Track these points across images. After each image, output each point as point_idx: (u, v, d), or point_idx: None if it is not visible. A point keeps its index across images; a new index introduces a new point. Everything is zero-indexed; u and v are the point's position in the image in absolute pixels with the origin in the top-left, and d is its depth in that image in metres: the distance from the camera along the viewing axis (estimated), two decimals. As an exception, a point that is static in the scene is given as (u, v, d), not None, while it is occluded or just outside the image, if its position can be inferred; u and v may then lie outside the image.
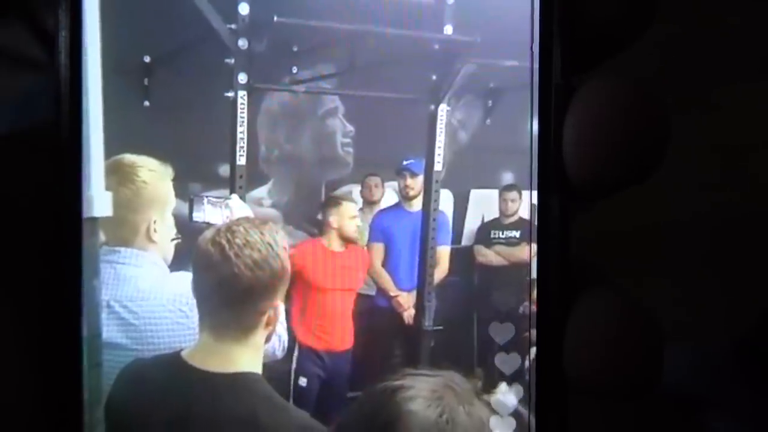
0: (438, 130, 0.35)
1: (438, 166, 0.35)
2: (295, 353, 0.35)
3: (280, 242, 0.32)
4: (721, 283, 0.61)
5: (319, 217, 0.36)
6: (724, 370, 0.61)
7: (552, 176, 0.31)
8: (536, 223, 0.31)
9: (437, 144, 0.35)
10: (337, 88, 0.34)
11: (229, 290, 0.31)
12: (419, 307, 0.36)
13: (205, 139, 0.33)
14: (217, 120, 0.33)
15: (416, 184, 0.37)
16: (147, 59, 0.32)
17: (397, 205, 0.37)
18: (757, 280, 0.60)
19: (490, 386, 0.36)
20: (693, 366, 0.59)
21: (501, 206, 0.36)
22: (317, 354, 0.36)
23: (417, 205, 0.37)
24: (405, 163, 0.36)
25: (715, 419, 0.59)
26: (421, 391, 0.31)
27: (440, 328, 0.36)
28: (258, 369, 0.32)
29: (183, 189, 0.32)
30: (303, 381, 0.34)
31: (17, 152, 0.30)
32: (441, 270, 0.36)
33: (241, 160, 0.33)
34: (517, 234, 0.37)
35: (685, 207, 0.61)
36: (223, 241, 0.31)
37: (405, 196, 0.37)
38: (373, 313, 0.36)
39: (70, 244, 0.28)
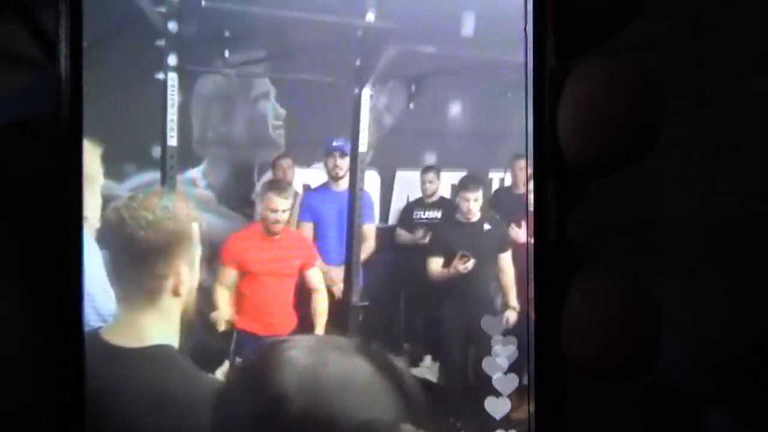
0: (362, 113, 0.36)
1: (363, 148, 0.37)
2: (234, 335, 0.36)
3: (179, 207, 0.33)
4: (722, 280, 0.61)
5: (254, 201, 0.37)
6: (726, 368, 0.62)
7: (547, 159, 0.31)
8: (531, 207, 0.32)
9: (361, 126, 0.36)
10: (267, 72, 0.36)
11: (127, 253, 0.32)
12: (347, 283, 0.38)
13: (139, 121, 0.34)
14: (152, 102, 0.34)
15: (344, 164, 0.38)
16: (84, 44, 0.33)
17: (324, 186, 0.38)
18: (759, 279, 0.61)
19: (416, 360, 0.37)
20: (693, 362, 0.60)
21: (421, 187, 0.38)
22: (257, 337, 0.36)
23: (343, 184, 0.38)
24: (334, 144, 0.38)
25: (712, 416, 0.61)
26: (300, 342, 0.33)
27: (366, 303, 0.37)
28: (173, 341, 0.33)
29: (117, 169, 0.33)
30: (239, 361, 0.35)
31: (18, 141, 0.31)
32: (367, 247, 0.38)
33: (172, 141, 0.34)
34: (438, 214, 0.39)
35: (683, 204, 0.62)
36: (120, 206, 0.32)
37: (334, 176, 0.38)
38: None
39: (71, 233, 0.30)
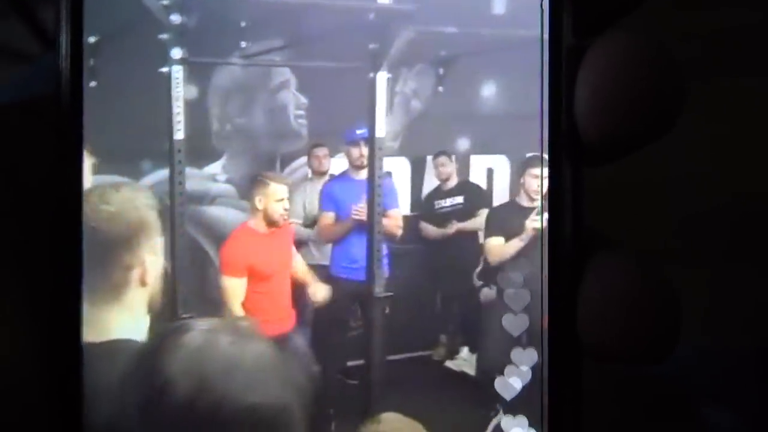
0: (378, 98, 0.35)
1: (380, 133, 0.35)
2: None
3: (140, 199, 0.32)
4: (740, 277, 0.60)
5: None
6: (735, 367, 0.60)
7: (564, 139, 0.31)
8: (546, 189, 0.31)
9: (377, 111, 0.35)
10: (284, 61, 0.35)
11: (91, 246, 0.31)
12: (369, 274, 0.36)
13: (151, 115, 0.34)
14: (161, 96, 0.34)
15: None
16: (91, 40, 0.33)
17: (344, 174, 0.37)
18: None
19: (453, 352, 0.36)
20: (701, 361, 0.59)
21: (435, 172, 0.36)
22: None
23: (364, 173, 0.37)
24: (358, 132, 0.36)
25: (717, 415, 0.59)
26: (196, 325, 0.32)
27: (390, 294, 0.36)
28: (136, 336, 0.32)
29: (134, 166, 0.33)
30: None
31: (19, 123, 0.32)
32: (392, 235, 0.37)
33: (178, 135, 0.33)
34: (461, 199, 0.37)
35: (703, 199, 0.60)
36: (84, 201, 0.32)
37: (359, 166, 0.37)
38: (328, 283, 0.37)
39: (72, 218, 0.30)
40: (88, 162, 0.31)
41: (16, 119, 0.32)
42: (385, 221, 0.37)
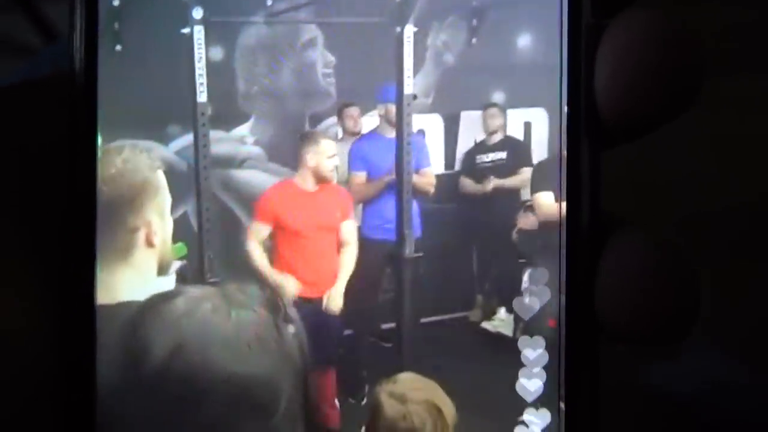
0: (405, 53, 0.34)
1: (408, 89, 0.34)
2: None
3: (143, 160, 0.32)
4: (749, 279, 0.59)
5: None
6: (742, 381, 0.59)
7: (583, 119, 0.31)
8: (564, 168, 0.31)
9: (405, 66, 0.34)
10: (310, 18, 0.34)
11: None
12: (399, 235, 0.36)
13: (174, 78, 0.33)
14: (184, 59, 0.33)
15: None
16: (116, 3, 0.32)
17: (374, 132, 0.36)
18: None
19: (490, 313, 0.35)
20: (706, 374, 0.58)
21: (484, 125, 0.35)
22: (303, 299, 0.35)
23: (394, 131, 0.36)
24: (389, 88, 0.35)
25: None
26: (188, 292, 0.31)
27: (420, 255, 0.35)
28: (142, 297, 0.32)
29: (160, 131, 0.33)
30: (291, 329, 0.34)
31: (33, 102, 0.32)
32: (424, 194, 0.36)
33: (202, 97, 0.33)
34: (503, 155, 0.36)
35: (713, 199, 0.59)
36: None
37: (390, 122, 0.36)
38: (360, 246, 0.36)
39: (85, 194, 0.30)
40: (109, 127, 0.31)
41: (31, 94, 0.32)
42: (416, 179, 0.36)
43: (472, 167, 0.36)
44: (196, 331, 0.31)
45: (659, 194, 0.57)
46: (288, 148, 0.36)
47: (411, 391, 0.33)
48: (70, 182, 0.30)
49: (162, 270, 0.33)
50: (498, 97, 0.35)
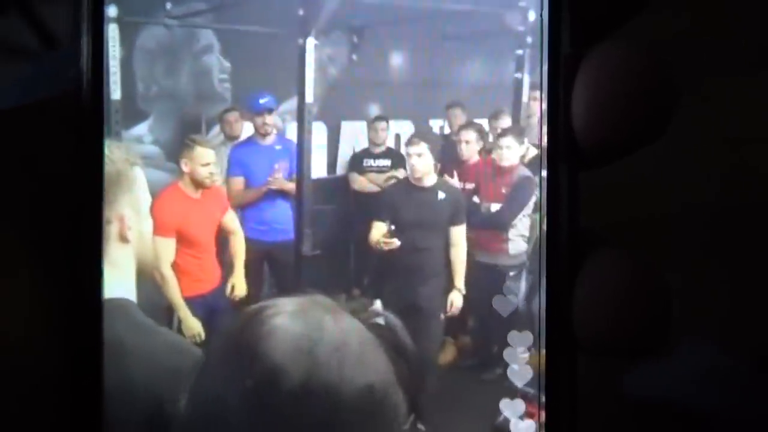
0: (307, 64, 0.36)
1: (309, 99, 0.37)
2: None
3: (116, 153, 0.32)
4: (726, 279, 0.61)
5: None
6: (735, 382, 0.61)
7: (561, 144, 0.32)
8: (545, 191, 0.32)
9: (307, 77, 0.37)
10: (210, 23, 0.35)
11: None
12: (298, 233, 0.38)
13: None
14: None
15: (272, 121, 0.38)
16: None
17: (251, 139, 0.38)
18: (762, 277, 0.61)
19: (365, 306, 0.38)
20: (701, 376, 0.60)
21: (371, 135, 0.38)
22: (203, 298, 0.36)
23: (269, 139, 0.39)
24: (261, 102, 0.37)
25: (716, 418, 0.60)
26: (284, 307, 0.32)
27: (318, 253, 0.38)
28: (129, 295, 0.33)
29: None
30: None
31: (41, 118, 0.31)
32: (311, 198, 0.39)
33: (115, 95, 0.33)
34: (388, 163, 0.39)
35: (683, 199, 0.61)
36: None
37: (263, 134, 0.38)
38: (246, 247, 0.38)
39: (92, 207, 0.31)
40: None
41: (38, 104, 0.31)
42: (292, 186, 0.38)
43: (360, 168, 0.39)
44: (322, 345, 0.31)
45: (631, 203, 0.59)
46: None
47: None
48: (77, 185, 0.30)
49: (143, 271, 0.33)
50: (374, 110, 0.38)
